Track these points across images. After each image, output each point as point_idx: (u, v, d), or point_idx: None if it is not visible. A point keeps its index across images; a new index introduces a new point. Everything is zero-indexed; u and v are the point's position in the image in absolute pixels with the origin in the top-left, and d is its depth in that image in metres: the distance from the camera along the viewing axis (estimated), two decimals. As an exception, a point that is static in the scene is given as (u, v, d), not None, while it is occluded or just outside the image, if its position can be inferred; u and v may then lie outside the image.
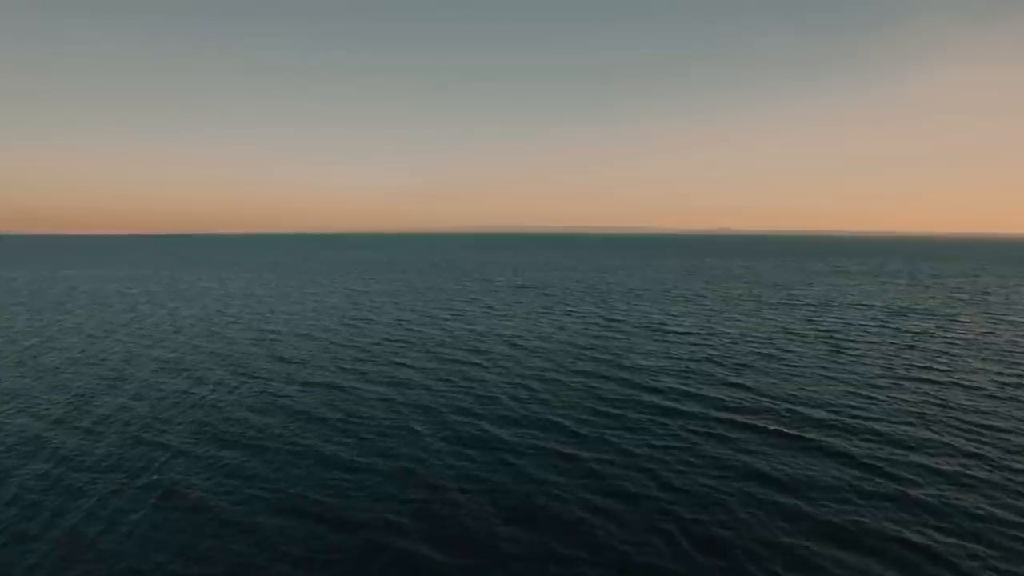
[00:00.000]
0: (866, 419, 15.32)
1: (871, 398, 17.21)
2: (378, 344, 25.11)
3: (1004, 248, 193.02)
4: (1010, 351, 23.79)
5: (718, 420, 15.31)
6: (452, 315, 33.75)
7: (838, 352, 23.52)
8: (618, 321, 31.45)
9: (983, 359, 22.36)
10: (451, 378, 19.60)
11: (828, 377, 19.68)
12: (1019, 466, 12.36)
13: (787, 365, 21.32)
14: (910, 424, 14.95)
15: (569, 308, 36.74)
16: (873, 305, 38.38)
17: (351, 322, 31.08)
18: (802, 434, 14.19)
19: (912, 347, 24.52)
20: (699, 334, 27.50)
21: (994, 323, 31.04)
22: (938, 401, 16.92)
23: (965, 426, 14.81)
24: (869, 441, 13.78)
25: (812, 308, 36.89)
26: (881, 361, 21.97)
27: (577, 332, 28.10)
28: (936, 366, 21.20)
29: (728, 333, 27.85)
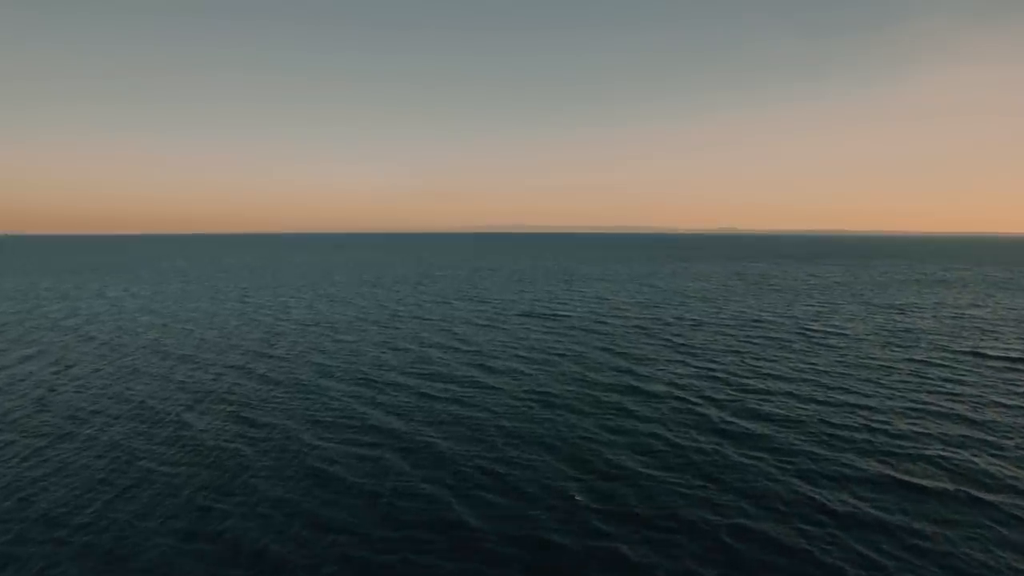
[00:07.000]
0: None
1: None
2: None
3: (1011, 248, 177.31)
4: None
5: None
6: (422, 415, 16.39)
7: None
8: (762, 422, 16.21)
9: None
10: None
11: None
12: None
13: None
14: None
15: (642, 378, 20.78)
16: None
17: (204, 431, 15.22)
18: None
19: None
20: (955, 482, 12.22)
21: None
22: None
23: None
24: None
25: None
26: None
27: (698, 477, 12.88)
28: None
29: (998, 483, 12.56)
